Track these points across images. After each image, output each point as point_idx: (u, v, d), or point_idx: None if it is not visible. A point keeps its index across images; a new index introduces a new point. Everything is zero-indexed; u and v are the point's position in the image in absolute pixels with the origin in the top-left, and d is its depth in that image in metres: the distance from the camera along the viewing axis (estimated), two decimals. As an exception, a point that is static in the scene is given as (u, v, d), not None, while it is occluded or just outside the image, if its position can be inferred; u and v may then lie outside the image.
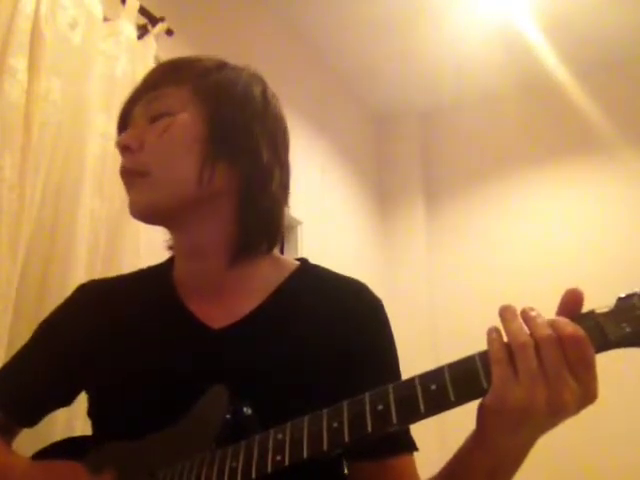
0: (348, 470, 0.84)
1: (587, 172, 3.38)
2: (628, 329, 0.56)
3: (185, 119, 0.82)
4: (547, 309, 0.63)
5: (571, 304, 0.60)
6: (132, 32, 1.77)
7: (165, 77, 0.86)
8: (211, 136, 0.82)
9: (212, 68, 0.86)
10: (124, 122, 0.87)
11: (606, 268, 2.88)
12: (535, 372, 0.57)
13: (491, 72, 3.38)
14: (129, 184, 0.84)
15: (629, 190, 3.21)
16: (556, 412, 0.57)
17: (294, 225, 2.84)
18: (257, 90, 0.87)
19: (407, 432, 0.83)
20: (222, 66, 0.88)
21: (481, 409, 0.62)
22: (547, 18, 2.99)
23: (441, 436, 2.60)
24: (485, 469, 0.67)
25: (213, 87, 0.84)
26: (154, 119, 0.83)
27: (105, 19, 1.69)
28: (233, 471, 0.68)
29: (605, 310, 0.58)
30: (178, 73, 0.86)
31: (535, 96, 3.49)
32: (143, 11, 1.86)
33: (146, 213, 0.84)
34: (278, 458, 0.65)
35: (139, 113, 0.85)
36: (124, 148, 0.83)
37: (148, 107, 0.84)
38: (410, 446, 0.83)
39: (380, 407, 0.62)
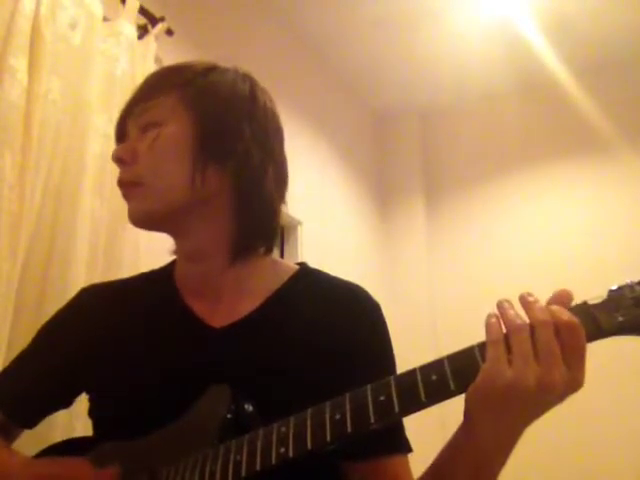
0: (343, 471, 0.83)
1: (587, 172, 3.37)
2: (620, 318, 0.59)
3: (173, 127, 0.84)
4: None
5: (559, 302, 0.62)
6: (132, 32, 1.77)
7: (153, 88, 0.88)
8: (199, 141, 0.83)
9: (198, 73, 0.87)
10: (119, 135, 0.90)
11: (606, 268, 2.88)
12: (528, 353, 0.59)
13: (491, 72, 3.38)
14: (126, 194, 0.86)
15: (629, 190, 3.21)
16: (545, 392, 0.59)
17: (294, 225, 2.84)
18: (244, 88, 0.87)
19: (402, 433, 0.84)
20: (209, 70, 0.88)
21: (470, 391, 0.63)
22: (547, 18, 2.99)
23: (442, 438, 2.60)
24: (470, 462, 0.68)
25: (199, 92, 0.85)
26: (145, 130, 0.85)
27: (105, 19, 1.69)
28: (237, 464, 0.68)
29: (597, 301, 0.61)
30: (165, 82, 0.87)
31: (535, 96, 3.49)
32: (143, 11, 1.86)
33: (144, 221, 0.87)
34: (282, 450, 0.66)
35: (131, 126, 0.87)
36: (118, 161, 0.86)
37: (139, 119, 0.86)
38: (405, 447, 0.83)
39: (382, 398, 0.63)
